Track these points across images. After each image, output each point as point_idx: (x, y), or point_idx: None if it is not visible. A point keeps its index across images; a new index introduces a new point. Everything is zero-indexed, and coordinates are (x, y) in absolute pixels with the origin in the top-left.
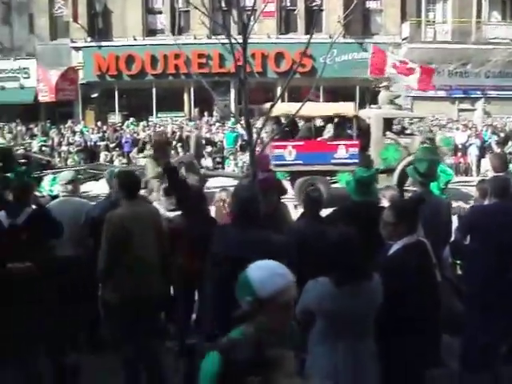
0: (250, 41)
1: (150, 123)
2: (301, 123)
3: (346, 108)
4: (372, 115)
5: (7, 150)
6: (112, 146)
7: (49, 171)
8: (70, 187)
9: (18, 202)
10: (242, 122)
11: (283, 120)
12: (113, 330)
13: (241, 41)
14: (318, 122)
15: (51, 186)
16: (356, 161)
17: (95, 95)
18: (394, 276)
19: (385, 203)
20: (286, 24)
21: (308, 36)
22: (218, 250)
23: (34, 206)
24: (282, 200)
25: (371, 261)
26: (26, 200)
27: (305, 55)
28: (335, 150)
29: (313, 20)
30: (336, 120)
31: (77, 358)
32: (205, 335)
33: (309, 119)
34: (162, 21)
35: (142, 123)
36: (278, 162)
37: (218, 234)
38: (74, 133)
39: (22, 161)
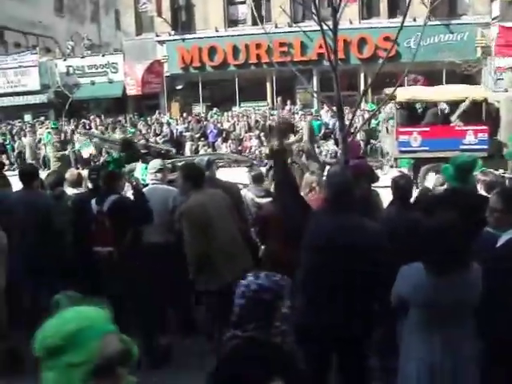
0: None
1: (234, 113)
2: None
3: (476, 91)
4: (502, 98)
5: (129, 141)
6: (196, 136)
7: (168, 161)
8: (159, 175)
9: (106, 190)
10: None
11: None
12: (205, 315)
13: (324, 28)
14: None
15: (143, 174)
16: (485, 147)
17: (180, 87)
18: (508, 266)
19: (480, 189)
20: (369, 8)
21: (391, 20)
22: (310, 236)
23: (127, 193)
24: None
25: (469, 249)
26: (113, 188)
27: (389, 40)
28: (463, 136)
29: (396, 3)
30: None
31: (168, 341)
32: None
33: (435, 104)
34: (244, 11)
35: (225, 113)
36: (402, 149)
37: (311, 221)
38: (160, 124)
39: (143, 151)
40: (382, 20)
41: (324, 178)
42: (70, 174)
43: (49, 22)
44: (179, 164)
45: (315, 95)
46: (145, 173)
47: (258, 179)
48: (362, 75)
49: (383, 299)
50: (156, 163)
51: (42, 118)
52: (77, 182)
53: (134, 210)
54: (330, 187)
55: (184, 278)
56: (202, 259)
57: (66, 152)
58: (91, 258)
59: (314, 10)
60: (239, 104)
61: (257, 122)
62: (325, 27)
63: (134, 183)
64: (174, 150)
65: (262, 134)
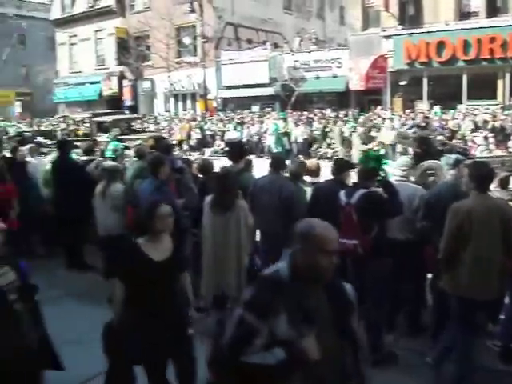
0: None
1: (459, 111)
2: None
3: None
4: None
5: (424, 137)
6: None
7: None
8: (406, 173)
9: (359, 184)
10: None
11: None
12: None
13: None
14: None
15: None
16: None
17: (404, 83)
18: None
19: None
20: None
21: None
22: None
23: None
24: None
25: None
26: (367, 183)
27: None
28: None
29: None
30: None
31: (394, 339)
32: None
33: None
34: (477, 3)
35: (451, 111)
36: None
37: None
38: (383, 120)
39: (439, 148)
40: None
41: None
42: (310, 163)
43: (278, 19)
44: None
45: None
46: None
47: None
48: None
49: None
50: (404, 160)
51: (268, 109)
52: (316, 172)
53: (385, 203)
54: None
55: (418, 279)
56: (446, 259)
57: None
58: None
59: None
60: (465, 102)
61: (485, 122)
62: None
63: (383, 177)
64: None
65: (491, 135)
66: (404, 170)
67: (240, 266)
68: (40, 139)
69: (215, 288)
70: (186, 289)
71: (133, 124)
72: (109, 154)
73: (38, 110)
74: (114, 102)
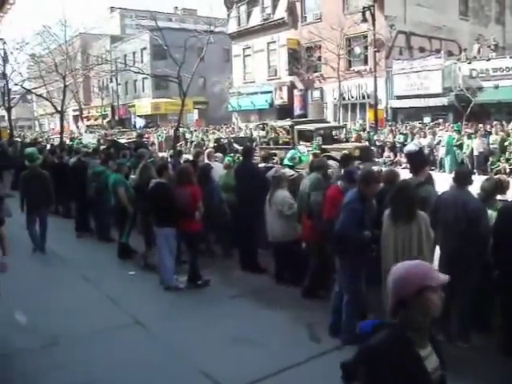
0: None
1: None
2: None
3: None
4: None
5: None
6: None
7: None
8: None
9: None
10: None
11: None
12: None
13: None
14: None
15: None
16: None
17: None
18: None
19: None
20: None
21: None
22: None
23: None
24: None
25: None
26: None
27: None
28: None
29: None
30: None
31: None
32: None
33: None
34: None
35: None
36: None
37: None
38: None
39: None
40: None
41: None
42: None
43: (453, 26)
44: None
45: None
46: None
47: None
48: None
49: None
50: None
51: (441, 121)
52: (504, 189)
53: None
54: None
55: None
56: None
57: None
58: None
59: None
60: None
61: None
62: None
63: None
64: None
65: None
66: None
67: None
68: (236, 146)
69: None
70: None
71: (335, 133)
72: (286, 162)
73: (212, 118)
74: (285, 111)
